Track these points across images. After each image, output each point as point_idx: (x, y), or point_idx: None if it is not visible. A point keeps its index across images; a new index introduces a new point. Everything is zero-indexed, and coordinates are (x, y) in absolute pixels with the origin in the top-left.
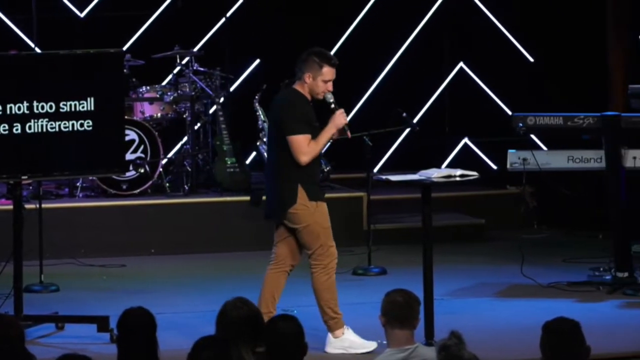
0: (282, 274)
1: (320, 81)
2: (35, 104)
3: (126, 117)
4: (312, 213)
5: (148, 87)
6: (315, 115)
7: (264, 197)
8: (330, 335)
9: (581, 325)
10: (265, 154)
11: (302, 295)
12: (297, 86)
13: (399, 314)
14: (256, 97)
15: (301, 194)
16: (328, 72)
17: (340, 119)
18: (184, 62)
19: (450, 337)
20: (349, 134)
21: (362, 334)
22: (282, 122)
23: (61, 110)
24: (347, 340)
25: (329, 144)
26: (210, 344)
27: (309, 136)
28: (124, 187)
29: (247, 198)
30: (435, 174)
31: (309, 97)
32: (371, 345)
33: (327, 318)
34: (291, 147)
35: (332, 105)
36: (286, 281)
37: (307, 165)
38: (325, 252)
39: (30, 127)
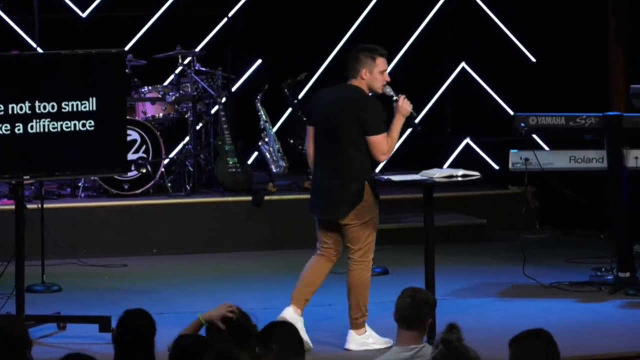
0: (331, 262)
1: (377, 73)
2: (37, 104)
3: (128, 117)
4: (372, 208)
5: (150, 87)
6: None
7: (265, 198)
8: (352, 332)
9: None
10: (267, 153)
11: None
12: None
13: (405, 315)
14: (258, 97)
15: (367, 190)
16: (382, 62)
17: (406, 105)
18: (185, 62)
19: (450, 329)
20: (415, 117)
21: None
22: (366, 121)
23: (63, 110)
24: (370, 336)
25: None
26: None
27: (386, 134)
28: (126, 187)
29: (249, 198)
30: (437, 174)
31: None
32: (389, 342)
33: (358, 315)
34: (371, 147)
35: (394, 97)
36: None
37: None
38: (371, 247)
39: (32, 127)
